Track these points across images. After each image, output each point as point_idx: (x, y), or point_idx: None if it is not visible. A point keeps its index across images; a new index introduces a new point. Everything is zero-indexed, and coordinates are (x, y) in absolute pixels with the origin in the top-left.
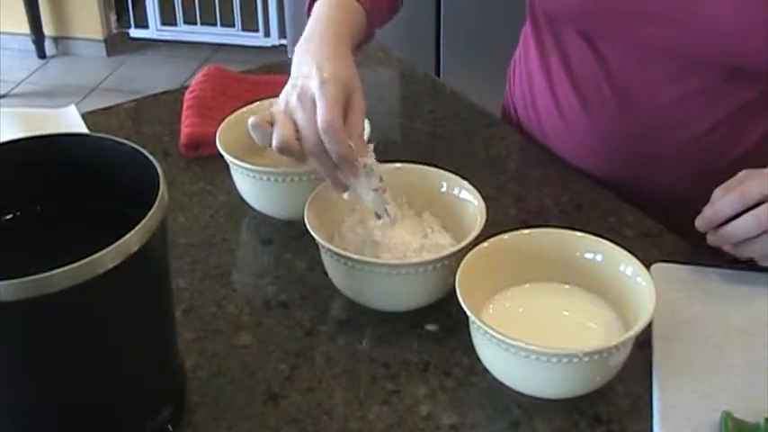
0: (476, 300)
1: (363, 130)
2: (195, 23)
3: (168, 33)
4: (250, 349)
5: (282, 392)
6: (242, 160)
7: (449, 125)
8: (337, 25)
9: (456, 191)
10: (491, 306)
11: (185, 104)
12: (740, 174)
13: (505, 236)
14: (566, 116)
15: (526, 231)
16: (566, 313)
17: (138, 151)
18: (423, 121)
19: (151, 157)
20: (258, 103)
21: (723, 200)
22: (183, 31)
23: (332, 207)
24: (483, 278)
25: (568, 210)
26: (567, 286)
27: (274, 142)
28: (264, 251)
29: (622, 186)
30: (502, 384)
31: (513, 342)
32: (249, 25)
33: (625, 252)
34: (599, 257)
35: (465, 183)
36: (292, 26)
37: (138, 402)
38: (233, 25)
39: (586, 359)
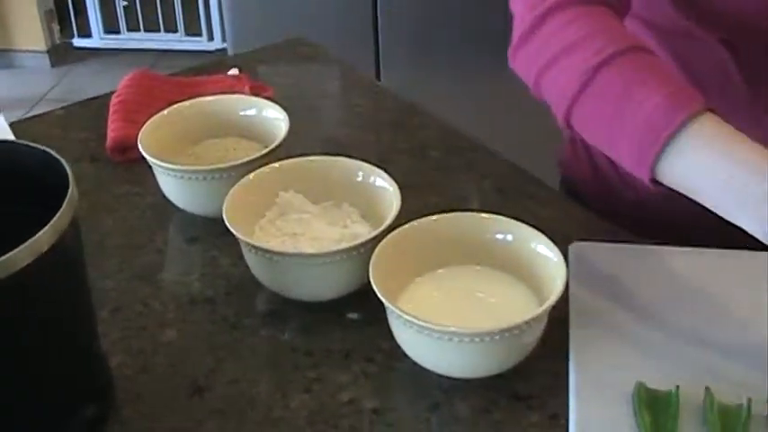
0: (392, 286)
1: None
2: (138, 30)
3: (112, 41)
4: (176, 345)
5: (207, 385)
6: (165, 161)
7: (374, 117)
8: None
9: (372, 179)
10: (408, 292)
11: (111, 109)
12: None
13: (416, 222)
14: None
15: (435, 217)
16: (480, 295)
17: (49, 154)
18: (348, 114)
19: (61, 159)
20: (178, 104)
21: None
22: (126, 39)
23: (252, 202)
24: (398, 265)
25: (489, 194)
26: (480, 268)
27: None
28: (190, 249)
29: None
30: (422, 368)
31: (426, 324)
32: (192, 30)
33: (534, 230)
34: (510, 237)
35: (380, 171)
36: (232, 29)
37: (60, 399)
38: (176, 30)
39: (498, 337)
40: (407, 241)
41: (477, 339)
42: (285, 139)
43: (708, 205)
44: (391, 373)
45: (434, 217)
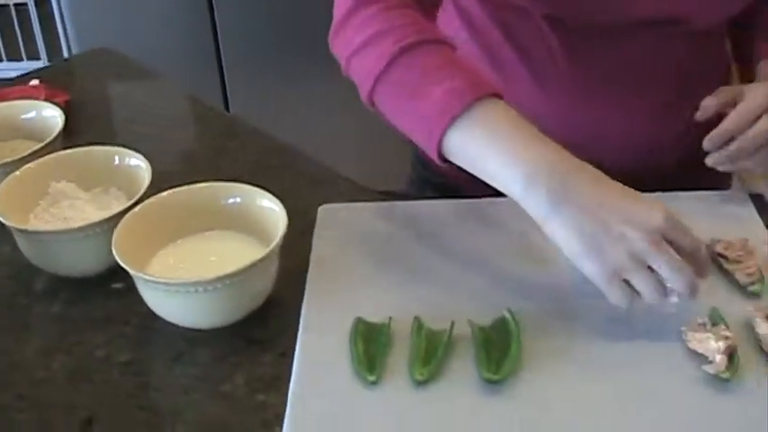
0: (140, 257)
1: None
2: (1, 60)
3: None
4: None
5: None
6: None
7: (161, 114)
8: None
9: (128, 161)
10: (152, 265)
11: None
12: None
13: (153, 199)
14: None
15: (166, 193)
16: (213, 258)
17: None
18: (136, 111)
19: None
20: None
21: (732, 117)
22: None
23: (25, 194)
24: (143, 238)
25: (256, 171)
26: (219, 232)
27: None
28: None
29: None
30: (172, 324)
31: (158, 280)
32: (56, 55)
33: (258, 189)
34: (238, 199)
35: (134, 153)
36: (79, 48)
37: None
38: (38, 58)
39: (219, 285)
40: (149, 216)
41: (200, 289)
42: (61, 137)
43: (486, 180)
44: (145, 331)
45: (165, 193)
